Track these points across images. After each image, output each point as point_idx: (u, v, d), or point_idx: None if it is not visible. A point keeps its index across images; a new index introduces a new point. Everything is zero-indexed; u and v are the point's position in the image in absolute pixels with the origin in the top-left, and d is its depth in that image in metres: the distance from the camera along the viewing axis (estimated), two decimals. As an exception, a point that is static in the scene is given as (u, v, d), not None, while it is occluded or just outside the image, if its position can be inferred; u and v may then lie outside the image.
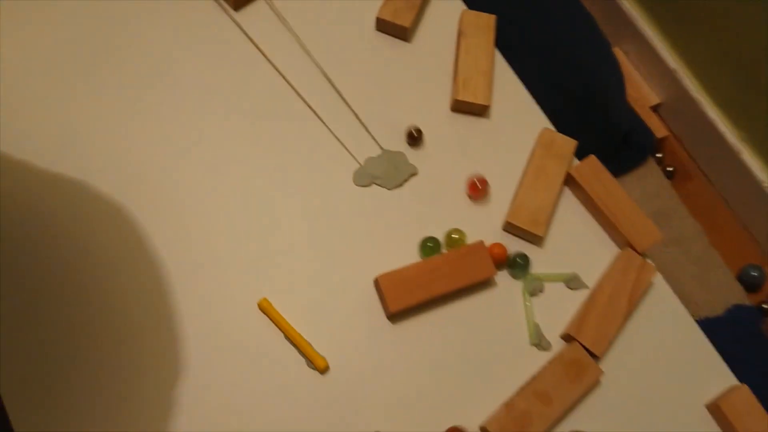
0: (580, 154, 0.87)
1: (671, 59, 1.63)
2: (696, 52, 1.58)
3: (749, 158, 1.52)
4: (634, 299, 0.78)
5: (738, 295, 1.47)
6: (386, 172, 0.83)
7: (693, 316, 1.22)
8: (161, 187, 0.78)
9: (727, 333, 1.39)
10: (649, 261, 0.82)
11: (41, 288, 0.71)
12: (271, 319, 0.72)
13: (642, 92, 1.69)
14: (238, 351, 0.71)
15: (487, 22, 0.93)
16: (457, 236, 0.78)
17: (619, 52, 1.76)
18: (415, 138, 0.81)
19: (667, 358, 0.79)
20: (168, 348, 0.70)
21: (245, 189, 0.79)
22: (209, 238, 0.76)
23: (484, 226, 0.82)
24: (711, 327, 1.36)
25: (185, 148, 0.80)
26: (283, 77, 0.87)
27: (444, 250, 0.79)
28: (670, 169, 1.63)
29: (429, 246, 0.78)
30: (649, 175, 1.58)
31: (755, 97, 1.46)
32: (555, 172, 0.84)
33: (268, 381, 0.70)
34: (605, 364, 0.77)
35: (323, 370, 0.71)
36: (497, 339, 0.76)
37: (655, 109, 1.71)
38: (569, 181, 0.86)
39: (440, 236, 0.80)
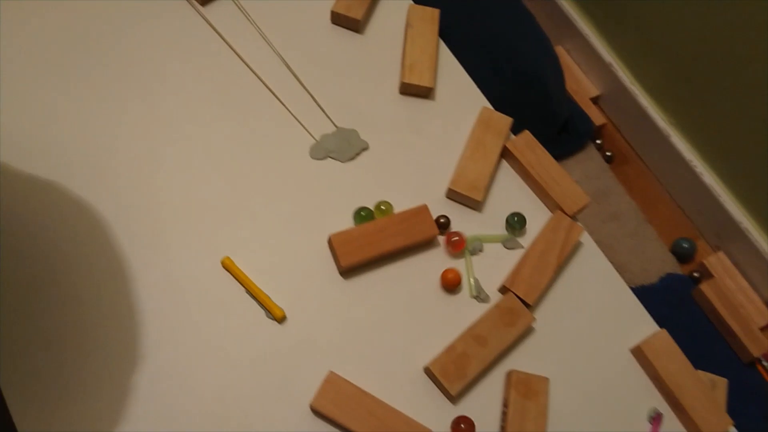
0: None
1: (606, 54, 1.66)
2: (628, 47, 1.61)
3: (677, 141, 1.56)
4: (563, 255, 0.81)
5: (671, 265, 1.51)
6: (340, 147, 0.85)
7: (629, 284, 1.25)
8: (134, 162, 0.79)
9: (660, 299, 1.43)
10: (578, 223, 0.84)
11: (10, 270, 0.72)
12: (233, 275, 0.74)
13: (582, 85, 1.73)
14: (203, 304, 0.73)
15: (431, 15, 0.95)
16: (384, 207, 0.81)
17: (561, 50, 1.79)
18: (441, 224, 0.81)
19: (594, 308, 0.82)
20: (139, 305, 0.71)
21: (214, 162, 0.81)
22: (179, 204, 0.78)
23: (429, 194, 0.84)
24: (646, 294, 1.40)
25: (158, 125, 0.82)
26: (247, 66, 0.88)
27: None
28: (609, 153, 1.66)
29: (362, 215, 0.80)
30: (589, 159, 1.61)
31: (680, 85, 1.50)
32: (492, 146, 0.87)
33: (231, 330, 0.72)
34: (538, 313, 0.79)
35: (281, 320, 0.73)
36: (441, 292, 0.78)
37: (595, 100, 1.74)
38: (506, 154, 0.88)
39: (392, 200, 0.82)
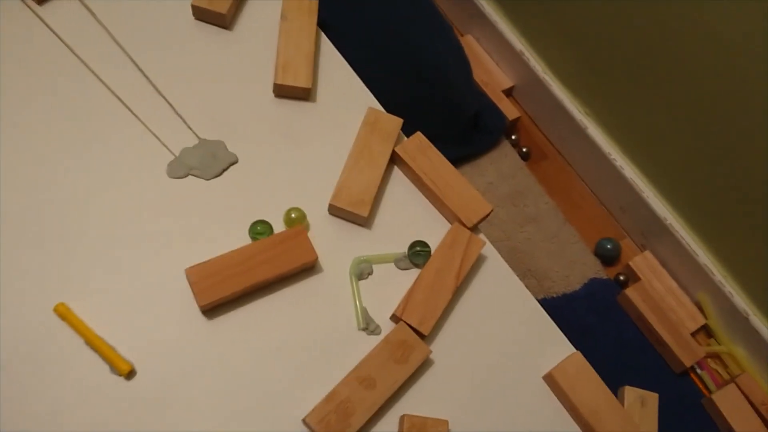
0: (428, 138, 0.85)
1: (517, 42, 1.64)
2: (538, 34, 1.60)
3: (594, 133, 1.55)
4: (462, 274, 0.76)
5: (594, 269, 1.49)
6: (203, 162, 0.79)
7: (549, 293, 1.23)
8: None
9: (584, 307, 1.40)
10: (481, 235, 0.81)
11: None
12: (69, 324, 0.67)
13: (494, 76, 1.70)
14: (31, 362, 0.66)
15: (309, 5, 0.91)
16: (295, 215, 0.76)
17: (471, 39, 1.76)
18: None
19: (500, 333, 0.78)
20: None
21: (49, 188, 0.74)
22: (2, 240, 0.70)
23: (309, 212, 0.79)
24: (568, 302, 1.37)
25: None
26: (92, 71, 0.82)
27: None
28: (525, 149, 1.64)
29: (257, 230, 0.75)
30: (504, 156, 1.59)
31: (593, 73, 1.50)
32: (379, 151, 0.82)
33: (66, 390, 0.65)
34: (435, 344, 0.75)
35: (127, 375, 0.67)
36: (323, 327, 0.74)
37: (509, 92, 1.72)
38: (397, 159, 0.84)
39: (270, 220, 0.77)
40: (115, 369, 0.66)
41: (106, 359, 0.66)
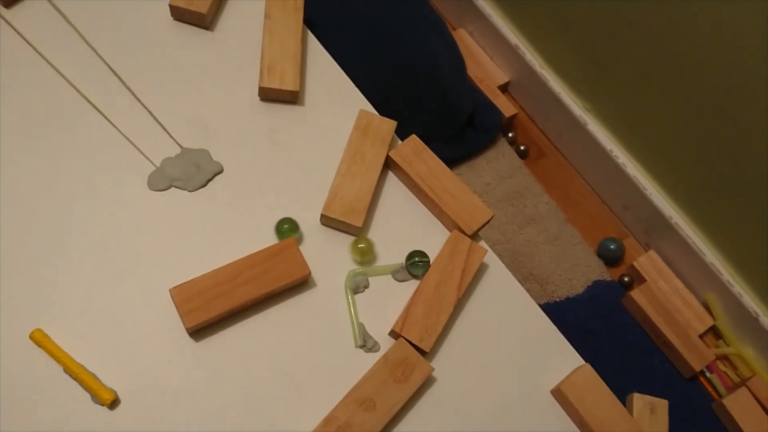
0: (422, 139, 0.84)
1: (512, 35, 1.64)
2: (534, 25, 1.60)
3: (595, 128, 1.55)
4: (463, 286, 0.75)
5: (598, 271, 1.48)
6: (186, 173, 0.78)
7: (552, 297, 1.21)
8: None
9: (588, 311, 1.39)
10: (482, 243, 0.80)
11: None
12: (47, 352, 0.66)
13: (489, 72, 1.69)
14: (6, 392, 0.65)
15: (294, 3, 0.89)
16: (363, 246, 0.75)
17: (464, 33, 1.76)
18: None
19: (506, 346, 0.77)
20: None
21: (21, 205, 0.73)
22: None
23: (300, 223, 0.78)
24: (571, 306, 1.36)
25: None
26: (64, 77, 0.81)
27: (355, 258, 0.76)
28: (523, 147, 1.63)
29: (285, 228, 0.74)
30: (501, 156, 1.58)
31: (593, 66, 1.49)
32: (373, 156, 0.81)
33: (46, 423, 0.64)
34: (437, 361, 0.74)
35: (111, 404, 0.65)
36: (318, 345, 0.72)
37: (504, 88, 1.71)
38: (392, 164, 0.83)
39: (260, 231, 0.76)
40: (97, 398, 0.65)
41: (88, 388, 0.65)
